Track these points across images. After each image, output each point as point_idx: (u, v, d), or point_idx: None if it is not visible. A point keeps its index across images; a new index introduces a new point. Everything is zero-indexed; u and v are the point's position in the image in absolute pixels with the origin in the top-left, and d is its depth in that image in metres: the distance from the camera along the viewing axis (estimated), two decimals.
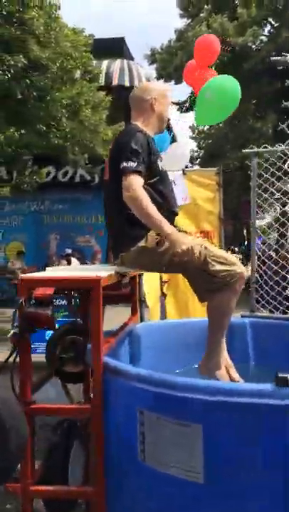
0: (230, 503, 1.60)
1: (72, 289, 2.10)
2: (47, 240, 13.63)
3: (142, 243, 2.14)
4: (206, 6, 14.40)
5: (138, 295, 3.65)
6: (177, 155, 4.98)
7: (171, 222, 2.23)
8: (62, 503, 2.00)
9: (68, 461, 2.02)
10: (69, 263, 9.83)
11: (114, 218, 2.27)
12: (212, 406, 1.56)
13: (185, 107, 17.71)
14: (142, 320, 3.51)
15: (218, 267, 2.01)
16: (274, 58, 2.00)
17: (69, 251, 11.43)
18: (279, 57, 1.87)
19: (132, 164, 2.09)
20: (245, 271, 2.11)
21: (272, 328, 2.93)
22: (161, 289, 4.06)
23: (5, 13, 7.38)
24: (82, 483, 2.14)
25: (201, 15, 14.80)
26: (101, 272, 2.03)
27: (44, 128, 7.89)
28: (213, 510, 1.63)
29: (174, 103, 17.72)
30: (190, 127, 29.64)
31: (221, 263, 2.02)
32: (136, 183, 2.07)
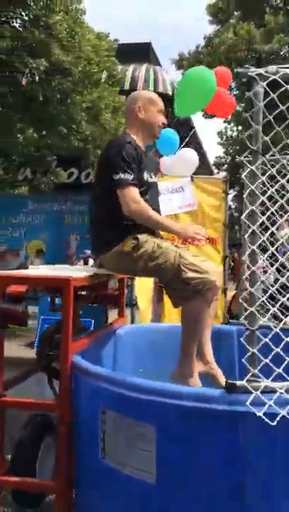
0: (181, 506, 1.62)
1: (46, 287, 2.16)
2: (67, 239, 13.81)
3: (118, 247, 2.19)
4: (235, 13, 14.40)
5: (130, 297, 3.71)
6: (187, 160, 5.02)
7: (153, 231, 2.30)
8: (29, 496, 2.06)
9: (37, 455, 2.07)
10: (86, 264, 9.97)
11: (96, 221, 2.33)
12: (164, 408, 1.59)
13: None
14: (132, 322, 3.57)
15: (191, 275, 2.04)
16: (238, 70, 1.95)
17: (88, 252, 11.54)
18: (241, 69, 1.83)
19: (129, 177, 2.16)
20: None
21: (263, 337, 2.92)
22: (159, 293, 4.10)
23: (31, 16, 7.59)
24: (53, 478, 2.19)
25: (231, 21, 14.82)
26: (79, 272, 2.09)
27: (65, 130, 8.05)
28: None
29: None
30: (217, 133, 29.52)
31: (194, 271, 2.04)
32: (135, 195, 2.16)
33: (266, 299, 1.76)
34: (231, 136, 27.15)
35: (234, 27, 13.17)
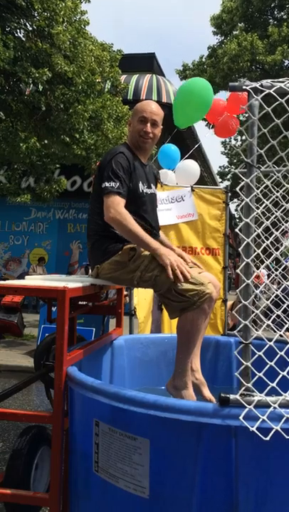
0: None
1: (41, 298, 2.15)
2: (70, 248, 13.86)
3: (115, 257, 2.19)
4: (239, 24, 14.51)
5: (129, 307, 3.70)
6: (187, 171, 5.03)
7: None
8: (23, 509, 2.04)
9: (31, 468, 2.06)
10: (86, 272, 9.99)
11: (92, 231, 2.34)
12: (158, 421, 1.58)
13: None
14: (131, 332, 3.55)
15: (186, 286, 2.02)
16: (232, 84, 1.92)
17: None
18: (236, 83, 1.82)
19: (114, 185, 2.16)
20: (215, 291, 2.11)
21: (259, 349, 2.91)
22: (159, 303, 4.08)
23: (35, 27, 7.66)
24: (48, 490, 2.17)
25: (234, 32, 14.93)
26: (75, 283, 2.09)
27: (68, 139, 8.09)
28: None
29: (202, 119, 17.80)
30: (222, 143, 29.63)
31: (190, 282, 2.03)
32: (117, 203, 2.14)
33: (269, 310, 1.76)
34: (235, 146, 27.27)
35: (237, 38, 13.25)
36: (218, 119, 4.96)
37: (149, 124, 2.34)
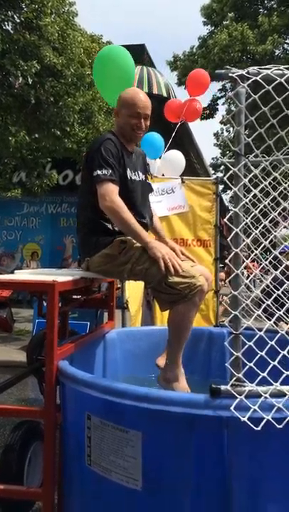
0: None
1: (31, 292, 2.13)
2: (63, 242, 13.80)
3: (106, 250, 2.17)
4: (229, 14, 14.41)
5: (123, 301, 3.69)
6: (173, 162, 5.01)
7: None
8: (17, 503, 2.03)
9: (24, 462, 2.05)
10: (79, 266, 9.95)
11: (82, 223, 2.31)
12: (150, 414, 1.57)
13: (205, 113, 17.73)
14: (123, 325, 3.54)
15: (177, 279, 2.00)
16: (218, 71, 1.89)
17: None
18: (222, 70, 1.80)
19: (106, 172, 2.13)
20: (206, 283, 2.10)
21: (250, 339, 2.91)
22: (149, 296, 4.08)
23: (22, 19, 7.57)
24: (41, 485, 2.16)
25: (225, 22, 14.84)
26: (64, 276, 2.07)
27: (58, 132, 8.02)
28: None
29: None
30: (214, 134, 29.54)
31: (180, 276, 2.01)
32: (111, 191, 2.11)
33: (266, 300, 1.75)
34: (230, 138, 27.12)
35: (228, 28, 13.18)
36: (177, 119, 5.12)
37: (142, 119, 2.32)
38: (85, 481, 1.83)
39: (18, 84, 7.71)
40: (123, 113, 2.33)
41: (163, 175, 4.74)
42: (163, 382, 2.14)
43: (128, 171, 2.27)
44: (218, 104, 18.01)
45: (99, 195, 2.12)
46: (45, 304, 2.43)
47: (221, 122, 26.11)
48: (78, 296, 2.62)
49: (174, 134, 5.21)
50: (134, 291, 3.92)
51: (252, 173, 1.56)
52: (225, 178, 1.43)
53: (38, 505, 2.25)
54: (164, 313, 4.18)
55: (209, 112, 17.26)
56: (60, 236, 13.77)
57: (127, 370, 2.66)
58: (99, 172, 2.14)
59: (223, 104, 18.10)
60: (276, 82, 1.46)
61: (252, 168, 1.64)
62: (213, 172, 29.07)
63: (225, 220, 1.45)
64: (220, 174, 28.82)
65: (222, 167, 29.40)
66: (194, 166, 16.82)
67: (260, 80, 1.43)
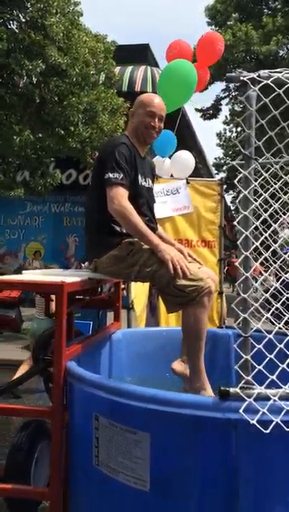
0: None
1: (39, 292, 2.14)
2: (66, 241, 13.81)
3: (114, 251, 2.18)
4: (233, 15, 14.40)
5: (128, 301, 3.70)
6: (182, 163, 5.02)
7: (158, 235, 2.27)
8: (24, 503, 2.04)
9: (31, 462, 2.06)
10: (80, 267, 9.96)
11: (91, 225, 2.32)
12: (159, 415, 1.58)
13: (208, 113, 17.74)
14: (129, 326, 3.55)
15: (185, 282, 2.01)
16: (229, 75, 1.90)
17: None
18: (233, 74, 1.80)
19: (117, 176, 2.14)
20: (213, 285, 2.10)
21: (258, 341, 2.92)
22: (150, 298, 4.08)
23: (28, 18, 7.58)
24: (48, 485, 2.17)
25: (229, 23, 14.83)
26: (71, 277, 2.08)
27: (62, 132, 8.03)
28: None
29: (197, 110, 17.78)
30: (217, 134, 29.51)
31: (188, 278, 2.01)
32: (121, 194, 2.12)
33: (268, 301, 1.75)
34: (230, 138, 27.17)
35: (232, 28, 13.16)
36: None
37: (157, 119, 2.35)
38: (92, 482, 1.84)
39: (23, 84, 7.73)
40: (139, 112, 2.36)
41: (172, 175, 4.75)
42: (192, 392, 2.12)
43: (139, 177, 2.29)
44: (221, 105, 18.02)
45: (108, 198, 2.14)
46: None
47: (224, 122, 26.11)
48: (81, 297, 2.63)
49: (178, 120, 5.06)
50: (139, 291, 3.93)
51: (262, 177, 1.56)
52: (236, 181, 1.43)
53: (44, 505, 2.27)
54: (168, 316, 4.22)
55: (212, 112, 17.24)
56: (63, 235, 13.79)
57: (133, 371, 2.66)
58: (110, 175, 2.15)
59: (227, 104, 18.11)
60: (287, 85, 1.47)
61: (261, 171, 1.64)
62: (216, 172, 29.07)
63: (235, 222, 1.45)
64: (223, 174, 28.81)
65: (224, 167, 29.36)
66: (197, 166, 16.83)
67: (271, 84, 1.43)
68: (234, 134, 25.23)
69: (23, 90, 7.35)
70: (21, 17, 7.56)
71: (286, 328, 1.89)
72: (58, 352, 1.88)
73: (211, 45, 4.93)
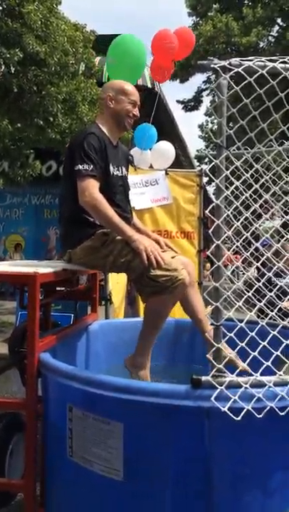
0: (149, 503, 1.61)
1: (11, 283, 2.12)
2: (47, 234, 13.69)
3: (88, 242, 2.16)
4: (214, 6, 14.35)
5: (105, 292, 3.68)
6: (163, 153, 4.99)
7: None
8: None
9: (6, 454, 2.04)
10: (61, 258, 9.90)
11: (64, 215, 2.29)
12: (131, 405, 1.58)
13: (190, 105, 17.72)
14: (106, 318, 3.54)
15: (159, 272, 2.00)
16: (200, 62, 1.89)
17: None
18: (204, 61, 1.79)
19: (87, 167, 2.11)
20: (188, 277, 2.11)
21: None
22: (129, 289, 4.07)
23: (5, 6, 7.42)
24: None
25: (210, 14, 14.77)
26: (45, 268, 2.05)
27: (41, 122, 7.92)
28: (132, 509, 1.64)
29: (178, 102, 17.75)
30: (199, 126, 29.52)
31: (163, 268, 2.01)
32: (92, 186, 2.10)
33: (251, 293, 1.76)
34: (211, 129, 27.21)
35: (212, 20, 13.13)
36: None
37: (136, 108, 2.36)
38: (66, 473, 1.83)
39: (0, 73, 7.58)
40: (120, 99, 2.32)
41: (151, 166, 4.72)
42: (130, 367, 2.15)
43: (111, 166, 2.26)
44: (202, 96, 18.00)
45: (79, 191, 2.11)
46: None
47: (206, 114, 26.13)
48: (62, 288, 2.61)
49: (154, 108, 4.94)
50: (115, 281, 3.91)
51: (234, 165, 1.56)
52: (207, 170, 1.42)
53: (21, 497, 2.25)
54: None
55: (194, 103, 17.22)
56: (44, 228, 13.65)
57: (109, 362, 2.66)
58: (80, 167, 2.12)
59: (208, 95, 18.09)
60: (258, 73, 1.46)
61: (234, 160, 1.64)
62: (198, 164, 29.11)
63: (206, 211, 1.45)
64: (205, 166, 28.86)
65: (207, 159, 29.45)
66: (179, 158, 16.80)
67: (242, 72, 1.42)
68: (216, 126, 25.31)
69: (1, 79, 7.21)
70: None
71: (261, 317, 1.91)
72: (31, 343, 1.87)
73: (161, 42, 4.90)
